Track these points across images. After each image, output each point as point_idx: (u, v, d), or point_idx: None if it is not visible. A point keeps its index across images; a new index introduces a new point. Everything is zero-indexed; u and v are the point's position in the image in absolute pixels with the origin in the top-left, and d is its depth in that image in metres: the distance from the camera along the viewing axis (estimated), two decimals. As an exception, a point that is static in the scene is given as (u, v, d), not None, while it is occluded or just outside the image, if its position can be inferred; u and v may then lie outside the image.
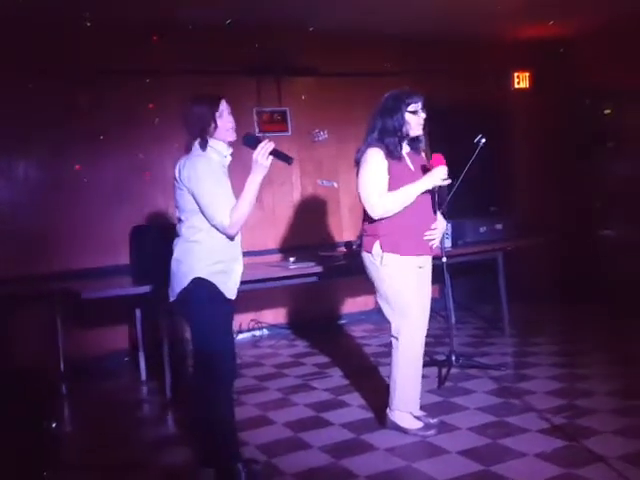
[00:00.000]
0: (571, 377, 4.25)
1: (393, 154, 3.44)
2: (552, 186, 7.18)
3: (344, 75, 6.30)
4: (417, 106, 3.46)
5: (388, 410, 3.58)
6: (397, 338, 3.48)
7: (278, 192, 6.26)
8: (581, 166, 7.04)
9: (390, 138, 3.44)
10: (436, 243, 3.57)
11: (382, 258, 3.43)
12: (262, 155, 2.87)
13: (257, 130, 6.01)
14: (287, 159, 3.02)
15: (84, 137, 5.49)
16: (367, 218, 3.53)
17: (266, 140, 2.91)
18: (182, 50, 5.63)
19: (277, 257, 6.02)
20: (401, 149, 3.50)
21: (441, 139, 6.81)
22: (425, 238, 3.49)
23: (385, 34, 6.18)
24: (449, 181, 3.45)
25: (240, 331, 5.94)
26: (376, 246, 3.45)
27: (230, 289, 3.04)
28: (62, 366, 4.79)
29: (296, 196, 6.37)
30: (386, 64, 6.32)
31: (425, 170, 3.50)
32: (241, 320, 5.96)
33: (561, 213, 7.10)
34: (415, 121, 3.46)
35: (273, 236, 6.24)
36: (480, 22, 6.09)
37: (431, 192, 3.54)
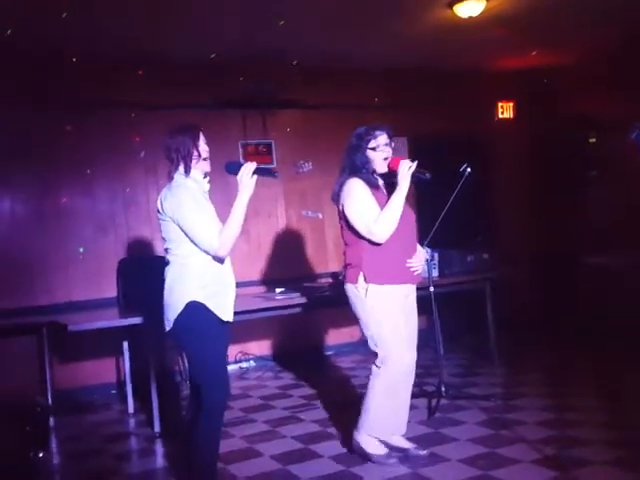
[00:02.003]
0: (561, 407, 4.23)
1: (370, 184, 3.48)
2: (537, 215, 7.25)
3: (328, 107, 6.37)
4: (377, 142, 3.49)
5: (355, 431, 3.56)
6: (378, 366, 3.48)
7: (264, 224, 6.27)
8: (566, 195, 7.12)
9: (360, 174, 3.48)
10: (419, 271, 3.58)
11: (367, 290, 3.43)
12: (246, 175, 2.94)
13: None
14: (272, 174, 3.10)
15: (70, 170, 5.51)
16: (349, 249, 3.54)
17: (248, 162, 2.99)
18: (167, 84, 5.69)
19: (263, 289, 5.99)
20: (377, 179, 3.54)
21: (426, 169, 6.90)
22: (408, 266, 3.50)
23: (369, 67, 6.29)
24: (415, 163, 3.43)
25: (227, 363, 5.87)
26: (360, 278, 3.45)
27: (226, 311, 3.05)
28: (50, 398, 4.73)
29: (281, 227, 6.38)
30: (370, 96, 6.40)
31: (392, 184, 3.51)
32: (228, 352, 5.88)
33: (547, 242, 7.16)
34: (378, 157, 3.49)
35: (259, 268, 6.24)
36: (464, 54, 6.20)
37: (412, 223, 3.58)
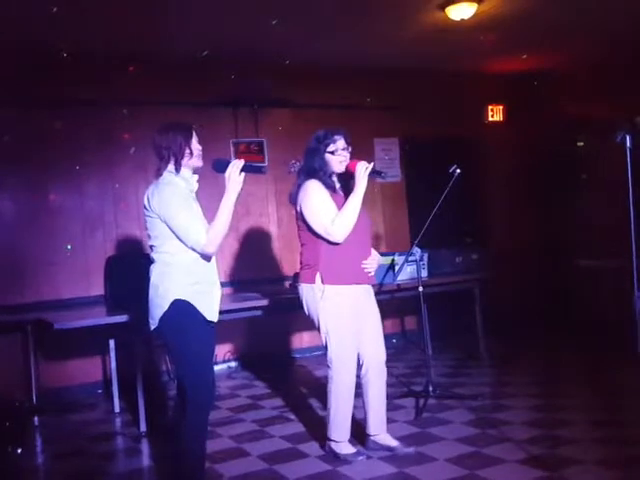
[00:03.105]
0: (548, 407, 4.24)
1: (326, 184, 3.52)
2: (527, 217, 7.29)
3: (320, 107, 6.36)
4: (336, 146, 3.53)
5: (326, 439, 3.64)
6: (331, 367, 3.54)
7: (255, 223, 6.26)
8: (555, 197, 7.17)
9: (317, 177, 3.53)
10: (372, 272, 3.64)
11: (323, 291, 3.47)
12: (234, 173, 2.94)
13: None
14: (260, 170, 3.11)
15: (59, 167, 5.47)
16: (306, 249, 3.57)
17: (236, 159, 2.98)
18: (158, 81, 5.67)
19: (255, 287, 5.97)
20: (334, 182, 3.59)
21: (416, 170, 6.94)
22: (363, 267, 3.55)
23: (361, 67, 6.28)
24: (372, 164, 3.50)
25: (216, 362, 5.86)
26: (317, 278, 3.48)
27: (211, 310, 3.03)
28: (34, 397, 4.70)
29: (272, 227, 6.37)
30: (361, 97, 6.41)
31: (349, 186, 3.54)
32: (217, 351, 5.88)
33: (536, 244, 7.19)
34: (334, 160, 3.54)
35: (249, 266, 6.20)
36: (455, 56, 6.22)
37: (368, 226, 3.66)
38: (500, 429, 3.87)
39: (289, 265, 6.23)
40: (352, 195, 3.47)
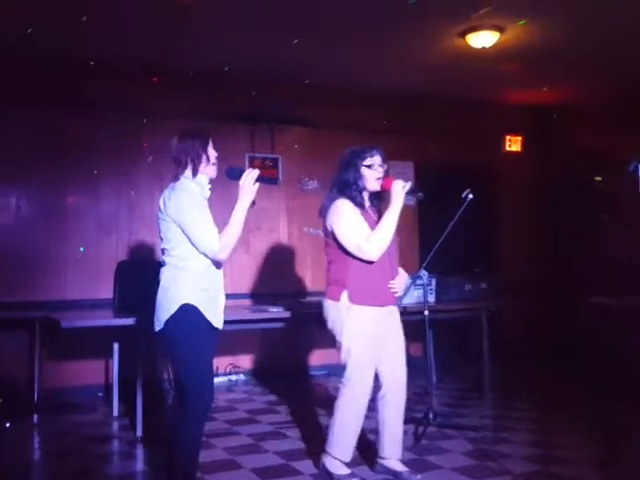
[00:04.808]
0: (549, 444, 4.17)
1: (356, 202, 3.48)
2: (540, 249, 7.24)
3: (337, 128, 6.40)
4: (373, 160, 3.50)
5: (323, 452, 3.57)
6: (344, 385, 3.48)
7: (265, 238, 6.28)
8: (569, 231, 7.12)
9: (349, 192, 3.49)
10: (399, 293, 3.59)
11: (348, 309, 3.43)
12: (249, 182, 2.98)
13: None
14: (273, 181, 3.11)
15: (78, 169, 5.55)
16: (334, 266, 3.53)
17: (250, 168, 3.03)
18: (180, 93, 5.75)
19: (259, 301, 5.98)
20: (364, 200, 3.54)
21: (430, 195, 6.92)
22: (389, 287, 3.51)
23: (379, 90, 6.34)
24: (410, 183, 3.46)
25: (216, 374, 5.85)
26: (344, 296, 3.44)
27: (217, 317, 3.06)
28: (36, 395, 4.72)
29: (282, 243, 6.39)
30: (378, 119, 6.44)
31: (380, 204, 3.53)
32: (218, 363, 5.88)
33: (548, 277, 7.14)
34: (371, 175, 3.50)
35: (258, 281, 6.23)
36: (474, 84, 6.26)
37: (396, 246, 3.59)
38: (498, 461, 3.81)
39: (298, 281, 6.25)
40: (387, 213, 3.41)
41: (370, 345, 3.45)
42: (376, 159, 3.51)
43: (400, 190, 3.42)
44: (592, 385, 5.85)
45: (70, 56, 5.22)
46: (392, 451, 3.62)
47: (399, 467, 3.59)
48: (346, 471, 3.52)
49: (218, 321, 3.08)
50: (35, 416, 4.71)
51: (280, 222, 6.37)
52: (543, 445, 4.15)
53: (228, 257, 3.03)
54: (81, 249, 5.54)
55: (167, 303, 2.99)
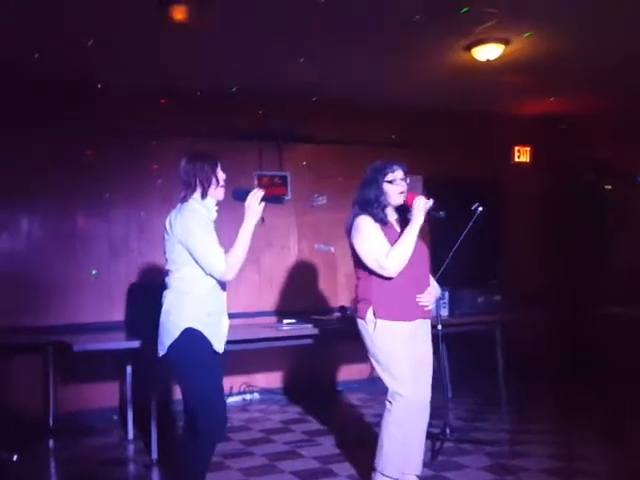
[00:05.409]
0: (567, 456, 4.13)
1: (377, 218, 3.46)
2: (552, 260, 7.19)
3: (344, 144, 6.42)
4: (394, 175, 3.49)
5: (373, 472, 3.50)
6: (390, 402, 3.43)
7: (276, 255, 6.28)
8: (581, 241, 7.07)
9: (370, 209, 3.48)
10: (430, 307, 3.54)
11: (375, 325, 3.40)
12: (254, 202, 2.98)
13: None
14: (279, 200, 3.12)
15: (88, 194, 5.58)
16: (360, 283, 3.52)
17: (256, 189, 3.03)
18: (188, 114, 5.77)
19: (272, 319, 5.97)
20: (386, 216, 3.52)
21: (441, 209, 6.90)
22: (418, 301, 3.46)
23: (386, 105, 6.34)
24: (431, 201, 3.43)
25: (231, 394, 5.83)
26: (369, 312, 3.42)
27: (219, 341, 3.05)
28: (51, 419, 4.72)
29: (293, 259, 6.38)
30: (386, 134, 6.44)
31: (405, 218, 3.51)
32: (232, 383, 5.87)
33: (561, 288, 7.08)
34: (393, 190, 3.48)
35: (269, 298, 6.23)
36: (481, 96, 6.25)
37: (425, 259, 3.55)
38: (517, 475, 3.77)
39: (308, 298, 6.24)
40: (408, 229, 3.40)
41: (407, 357, 3.40)
42: (397, 174, 3.49)
43: (421, 207, 3.39)
44: (606, 396, 5.78)
45: (77, 80, 5.27)
46: (414, 467, 3.56)
47: None
48: None
49: (220, 345, 3.06)
50: (51, 441, 4.69)
51: (290, 239, 6.37)
52: (562, 457, 4.10)
53: (235, 277, 3.02)
54: (93, 272, 5.56)
55: (170, 327, 2.97)
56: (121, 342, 4.55)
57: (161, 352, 3.02)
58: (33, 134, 5.31)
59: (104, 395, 5.47)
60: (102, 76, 5.17)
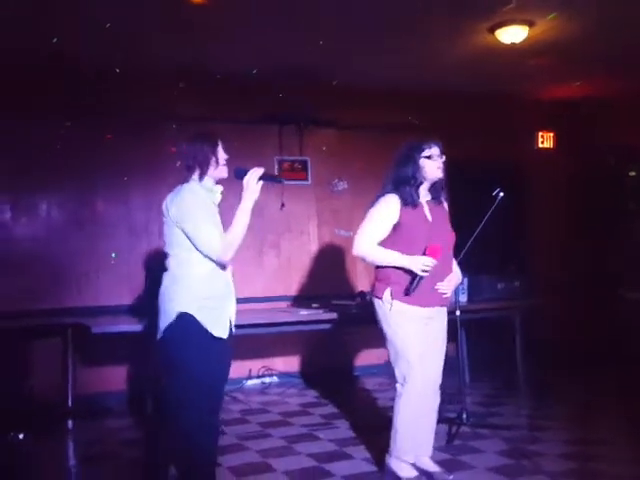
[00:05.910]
0: (585, 441, 4.10)
1: (407, 201, 3.42)
2: (573, 246, 7.10)
3: (365, 128, 6.39)
4: (432, 151, 3.45)
5: (387, 455, 3.52)
6: (402, 384, 3.44)
7: (295, 241, 6.29)
8: (604, 227, 6.98)
9: (404, 187, 3.43)
10: (448, 295, 3.50)
11: (392, 305, 3.39)
12: (252, 180, 2.92)
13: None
14: (277, 179, 3.11)
15: (108, 177, 5.62)
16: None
17: (255, 167, 2.97)
18: (208, 97, 5.78)
19: (291, 304, 5.99)
20: (418, 197, 3.47)
21: (461, 194, 6.84)
22: (437, 288, 3.42)
23: (407, 90, 6.28)
24: (426, 274, 3.33)
25: (250, 377, 5.88)
26: (387, 293, 3.41)
27: (220, 327, 2.96)
28: (70, 401, 4.78)
29: (313, 245, 6.38)
30: (406, 119, 6.37)
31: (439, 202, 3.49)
32: (251, 366, 5.91)
33: (582, 273, 7.00)
34: (431, 165, 3.44)
35: (289, 284, 6.24)
36: (504, 80, 6.17)
37: (449, 243, 3.52)
38: (534, 460, 3.75)
39: (327, 283, 6.23)
40: (396, 257, 3.37)
41: (417, 343, 3.39)
42: (434, 150, 3.46)
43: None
44: (627, 382, 5.72)
45: (95, 64, 5.28)
46: (425, 449, 3.58)
47: (432, 467, 3.55)
48: (413, 473, 3.45)
49: (221, 330, 2.96)
50: (70, 422, 4.75)
51: (310, 224, 6.36)
52: (579, 442, 4.08)
53: (232, 258, 2.95)
54: (113, 255, 5.61)
55: (167, 311, 2.92)
56: (139, 324, 4.58)
57: (158, 335, 2.96)
58: (49, 119, 5.34)
59: (123, 377, 5.53)
60: (120, 60, 5.18)
